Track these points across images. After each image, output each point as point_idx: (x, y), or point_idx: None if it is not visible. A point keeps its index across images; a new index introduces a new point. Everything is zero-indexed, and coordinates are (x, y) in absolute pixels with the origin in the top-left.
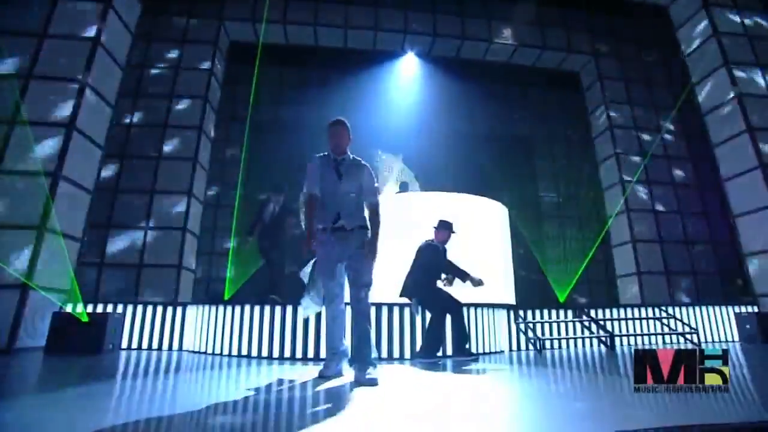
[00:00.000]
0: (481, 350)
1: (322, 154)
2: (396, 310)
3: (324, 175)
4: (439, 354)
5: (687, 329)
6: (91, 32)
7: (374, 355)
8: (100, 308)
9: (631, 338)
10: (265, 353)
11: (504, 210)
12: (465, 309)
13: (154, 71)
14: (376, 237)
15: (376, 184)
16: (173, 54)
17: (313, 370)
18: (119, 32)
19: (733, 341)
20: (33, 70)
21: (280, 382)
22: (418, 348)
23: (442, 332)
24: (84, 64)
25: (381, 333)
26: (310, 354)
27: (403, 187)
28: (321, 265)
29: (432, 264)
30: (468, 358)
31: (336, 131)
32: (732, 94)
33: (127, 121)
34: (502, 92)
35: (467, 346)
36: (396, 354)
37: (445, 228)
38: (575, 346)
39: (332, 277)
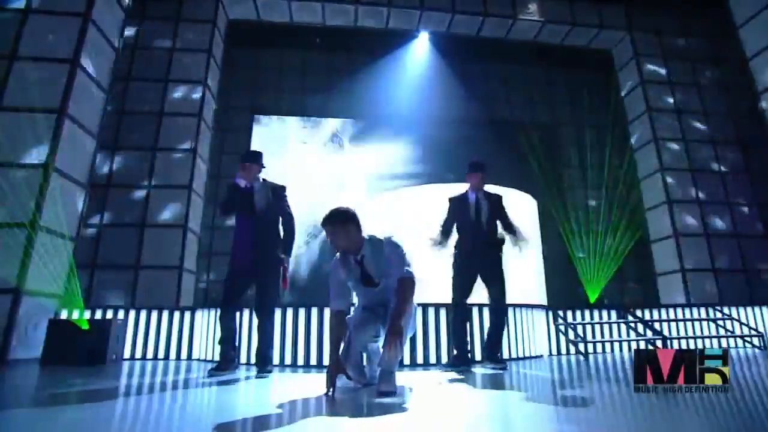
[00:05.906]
0: (519, 355)
1: (336, 256)
2: (419, 310)
3: (351, 284)
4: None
5: (749, 332)
6: (80, 6)
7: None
8: (92, 314)
9: (683, 342)
10: (288, 361)
11: (533, 202)
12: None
13: (146, 53)
14: (399, 316)
15: (404, 253)
16: (167, 33)
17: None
18: (110, 6)
19: None
20: (17, 50)
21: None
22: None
23: (459, 334)
24: (74, 43)
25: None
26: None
27: None
28: (357, 334)
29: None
30: (495, 366)
31: (333, 231)
32: None
33: (121, 108)
34: (522, 74)
35: (494, 351)
36: (420, 360)
37: None
38: (620, 350)
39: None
